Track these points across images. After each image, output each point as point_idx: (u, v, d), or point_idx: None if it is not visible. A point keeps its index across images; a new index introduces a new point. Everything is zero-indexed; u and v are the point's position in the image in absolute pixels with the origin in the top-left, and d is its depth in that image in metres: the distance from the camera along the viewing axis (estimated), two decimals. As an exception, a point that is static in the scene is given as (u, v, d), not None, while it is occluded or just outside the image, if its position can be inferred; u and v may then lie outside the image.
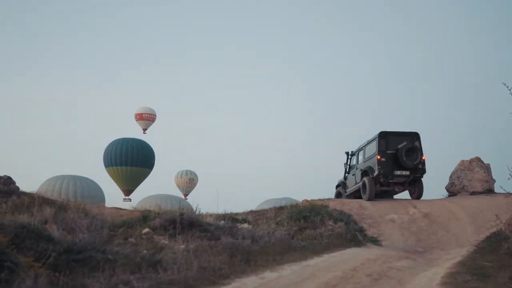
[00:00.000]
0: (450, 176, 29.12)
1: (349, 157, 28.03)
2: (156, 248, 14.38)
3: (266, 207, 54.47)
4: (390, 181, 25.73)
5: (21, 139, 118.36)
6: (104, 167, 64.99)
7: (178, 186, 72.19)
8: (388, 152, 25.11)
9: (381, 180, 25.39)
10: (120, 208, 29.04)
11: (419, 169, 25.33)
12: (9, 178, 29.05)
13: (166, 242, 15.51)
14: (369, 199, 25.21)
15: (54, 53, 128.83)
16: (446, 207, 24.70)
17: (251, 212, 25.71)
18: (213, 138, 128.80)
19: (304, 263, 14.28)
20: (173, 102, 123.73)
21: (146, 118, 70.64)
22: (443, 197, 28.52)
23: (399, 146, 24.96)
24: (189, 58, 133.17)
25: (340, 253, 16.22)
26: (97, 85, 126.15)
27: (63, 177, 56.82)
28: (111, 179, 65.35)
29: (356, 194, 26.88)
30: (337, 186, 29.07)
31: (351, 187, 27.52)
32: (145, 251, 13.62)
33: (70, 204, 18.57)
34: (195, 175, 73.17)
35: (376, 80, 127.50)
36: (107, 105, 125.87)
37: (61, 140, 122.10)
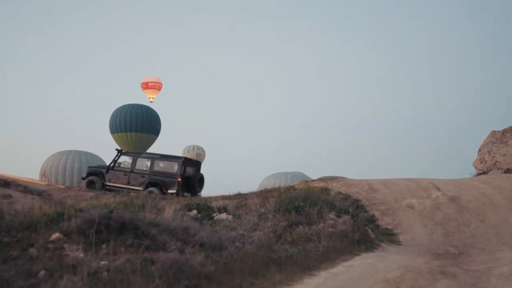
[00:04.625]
0: (479, 150, 22.57)
1: None
2: (61, 267, 8.82)
3: (271, 182, 50.43)
4: None
5: (26, 111, 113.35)
6: (110, 134, 60.48)
7: None
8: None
9: None
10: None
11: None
12: None
13: (81, 255, 9.61)
14: None
15: (58, 21, 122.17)
16: (477, 188, 18.64)
17: (238, 195, 19.66)
18: (222, 109, 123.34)
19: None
20: (180, 72, 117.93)
21: (152, 87, 65.81)
22: (471, 175, 22.05)
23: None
24: (196, 28, 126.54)
25: (345, 268, 10.37)
26: (102, 54, 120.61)
27: (69, 152, 53.07)
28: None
29: None
30: None
31: None
32: (42, 272, 8.53)
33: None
34: (202, 150, 69.32)
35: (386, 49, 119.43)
36: (113, 75, 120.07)
37: (67, 111, 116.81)
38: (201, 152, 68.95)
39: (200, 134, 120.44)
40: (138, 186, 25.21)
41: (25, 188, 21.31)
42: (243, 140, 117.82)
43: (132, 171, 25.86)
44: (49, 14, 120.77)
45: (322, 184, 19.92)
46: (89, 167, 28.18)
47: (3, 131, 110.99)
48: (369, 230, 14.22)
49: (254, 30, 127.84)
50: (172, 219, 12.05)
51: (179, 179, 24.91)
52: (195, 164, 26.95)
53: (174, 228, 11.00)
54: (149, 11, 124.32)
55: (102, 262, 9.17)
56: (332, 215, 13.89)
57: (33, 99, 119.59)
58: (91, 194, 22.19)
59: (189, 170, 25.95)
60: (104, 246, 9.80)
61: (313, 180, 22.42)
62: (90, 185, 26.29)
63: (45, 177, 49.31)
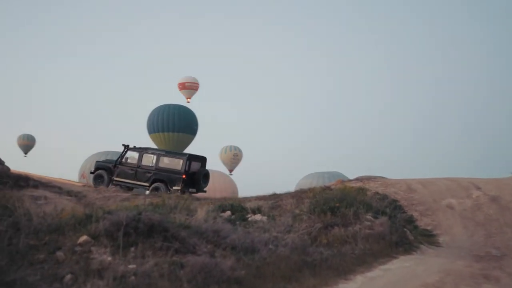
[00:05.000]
0: (521, 149, 21.65)
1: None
2: (87, 271, 8.51)
3: (308, 182, 49.92)
4: None
5: (68, 113, 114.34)
6: (148, 134, 59.81)
7: (223, 161, 67.46)
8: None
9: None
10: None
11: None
12: None
13: (109, 258, 9.20)
14: None
15: (95, 24, 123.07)
16: (520, 188, 17.70)
17: (273, 195, 19.21)
18: (259, 109, 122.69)
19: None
20: (217, 73, 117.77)
21: (189, 87, 65.21)
22: (511, 175, 21.30)
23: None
24: (232, 27, 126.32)
25: (382, 272, 9.88)
26: (140, 55, 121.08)
27: (107, 152, 52.07)
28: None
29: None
30: None
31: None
32: (68, 277, 8.23)
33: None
34: (239, 150, 68.43)
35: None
36: (151, 76, 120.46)
37: (106, 111, 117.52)
38: (238, 152, 68.43)
39: (237, 134, 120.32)
40: (144, 182, 25.42)
41: (60, 189, 21.12)
42: (281, 140, 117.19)
43: (138, 167, 25.83)
44: (90, 18, 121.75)
45: (359, 184, 19.42)
46: (97, 161, 27.93)
47: (43, 132, 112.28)
48: (407, 232, 13.69)
49: (289, 27, 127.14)
50: (204, 221, 11.68)
51: (184, 176, 24.78)
52: (201, 160, 26.53)
53: (205, 231, 10.61)
54: (185, 10, 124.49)
55: (130, 266, 8.89)
56: (369, 216, 13.40)
57: (73, 100, 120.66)
58: (125, 195, 21.95)
59: (195, 166, 25.71)
60: (132, 249, 9.49)
61: (350, 180, 21.91)
62: (98, 179, 26.33)
63: (84, 178, 49.39)
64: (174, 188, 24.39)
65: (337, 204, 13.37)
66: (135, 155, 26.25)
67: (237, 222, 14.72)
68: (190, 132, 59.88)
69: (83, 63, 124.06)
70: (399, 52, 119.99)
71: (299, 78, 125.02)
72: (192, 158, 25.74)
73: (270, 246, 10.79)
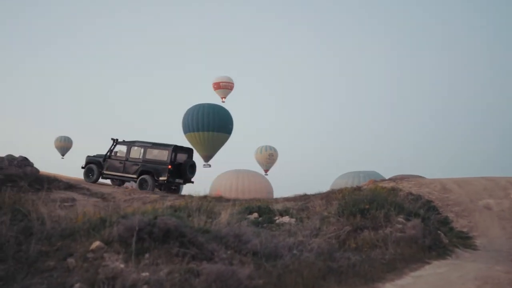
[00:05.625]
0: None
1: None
2: (97, 279, 7.87)
3: (343, 181, 49.02)
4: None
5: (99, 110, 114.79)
6: (183, 134, 59.58)
7: (258, 161, 66.88)
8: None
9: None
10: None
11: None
12: (25, 159, 23.47)
13: (121, 265, 8.59)
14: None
15: (131, 23, 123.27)
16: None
17: (303, 196, 18.49)
18: (294, 108, 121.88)
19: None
20: (252, 72, 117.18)
21: (224, 87, 64.87)
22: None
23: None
24: (269, 26, 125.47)
25: (413, 280, 9.16)
26: (174, 54, 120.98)
27: None
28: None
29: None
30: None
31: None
32: (77, 285, 7.65)
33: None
34: (275, 150, 67.56)
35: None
36: (185, 75, 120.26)
37: (140, 111, 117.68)
38: (273, 152, 67.69)
39: (272, 134, 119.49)
40: (132, 174, 25.93)
41: (88, 190, 20.72)
42: (317, 139, 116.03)
43: (127, 160, 26.27)
44: (126, 18, 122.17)
45: (391, 184, 18.61)
46: (88, 156, 27.91)
47: (80, 133, 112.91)
48: (442, 234, 12.84)
49: (326, 27, 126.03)
50: (227, 224, 11.00)
51: (169, 167, 25.22)
52: (187, 151, 27.09)
53: (225, 235, 9.92)
54: (218, 10, 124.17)
55: (143, 274, 8.29)
56: (400, 218, 12.57)
57: (109, 101, 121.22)
58: (154, 196, 21.42)
59: (181, 157, 26.13)
60: (147, 255, 8.86)
61: (383, 180, 21.12)
62: (88, 173, 26.63)
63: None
64: (161, 179, 25.21)
65: (367, 206, 12.60)
66: (124, 148, 26.81)
67: (264, 225, 14.08)
68: (226, 131, 59.35)
69: (118, 64, 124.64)
70: (434, 50, 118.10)
71: (335, 77, 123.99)
72: (178, 149, 26.25)
73: (295, 252, 10.11)
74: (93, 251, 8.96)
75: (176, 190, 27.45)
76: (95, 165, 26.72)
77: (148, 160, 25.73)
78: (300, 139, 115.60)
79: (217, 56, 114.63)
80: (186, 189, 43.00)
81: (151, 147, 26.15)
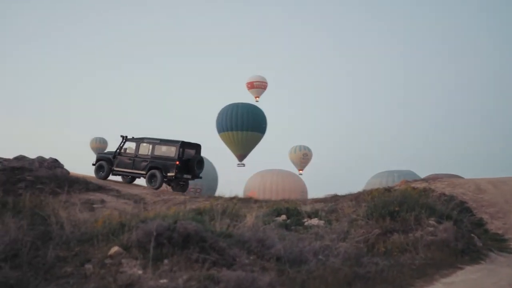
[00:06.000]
0: None
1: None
2: (114, 286, 7.63)
3: (378, 181, 48.31)
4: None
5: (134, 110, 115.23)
6: (217, 133, 60.00)
7: (292, 161, 66.47)
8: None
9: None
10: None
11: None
12: (55, 161, 23.35)
13: (139, 272, 8.29)
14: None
15: (166, 25, 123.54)
16: None
17: (334, 197, 18.03)
18: (328, 108, 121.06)
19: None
20: (285, 72, 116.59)
21: (258, 86, 65.02)
22: None
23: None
24: (301, 26, 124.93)
25: (444, 287, 8.55)
26: (207, 54, 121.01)
27: None
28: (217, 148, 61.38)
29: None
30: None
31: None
32: None
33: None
34: (309, 149, 67.04)
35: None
36: (218, 75, 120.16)
37: (175, 111, 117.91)
38: (307, 152, 67.24)
39: (307, 133, 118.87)
40: (141, 170, 26.04)
41: (118, 192, 20.51)
42: (351, 138, 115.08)
43: (136, 156, 26.39)
44: (162, 20, 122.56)
45: (424, 185, 18.03)
46: (98, 153, 28.99)
47: (109, 134, 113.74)
48: (475, 237, 12.27)
49: (358, 27, 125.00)
50: (253, 226, 10.59)
51: (177, 163, 25.36)
52: (195, 147, 27.04)
53: (248, 240, 9.52)
54: (251, 10, 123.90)
55: (161, 281, 7.99)
56: (431, 220, 12.01)
57: (141, 102, 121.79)
58: (183, 197, 21.13)
59: (189, 153, 26.33)
60: (166, 261, 8.50)
61: (416, 181, 20.51)
62: (99, 170, 26.82)
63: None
64: (169, 174, 25.30)
65: (397, 208, 12.08)
66: (133, 145, 26.87)
67: (292, 227, 13.67)
68: (259, 131, 59.42)
69: (152, 64, 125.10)
70: (470, 49, 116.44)
71: (368, 76, 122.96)
72: (186, 145, 26.26)
73: (320, 257, 9.67)
74: (111, 256, 8.66)
75: (185, 186, 27.61)
76: (106, 162, 26.94)
77: (156, 156, 25.95)
78: (335, 138, 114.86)
79: (251, 56, 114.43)
80: (219, 190, 42.93)
81: (159, 144, 26.42)
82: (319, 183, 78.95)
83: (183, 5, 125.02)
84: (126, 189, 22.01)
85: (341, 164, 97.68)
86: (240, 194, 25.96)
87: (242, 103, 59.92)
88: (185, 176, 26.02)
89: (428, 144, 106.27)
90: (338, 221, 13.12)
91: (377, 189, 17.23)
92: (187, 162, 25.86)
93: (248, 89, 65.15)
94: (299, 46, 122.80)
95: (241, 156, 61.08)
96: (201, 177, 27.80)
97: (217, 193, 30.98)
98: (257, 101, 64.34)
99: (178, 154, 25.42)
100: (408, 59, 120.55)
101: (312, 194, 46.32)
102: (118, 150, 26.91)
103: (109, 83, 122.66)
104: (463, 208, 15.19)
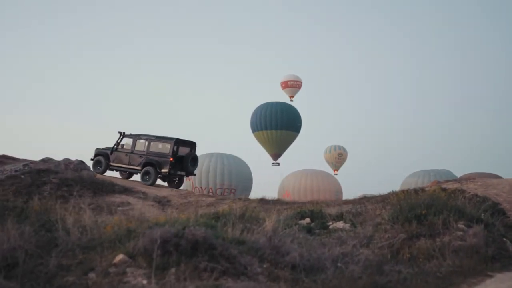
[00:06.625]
0: None
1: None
2: None
3: (413, 180, 47.28)
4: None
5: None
6: (251, 133, 60.35)
7: (327, 161, 66.12)
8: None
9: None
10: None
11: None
12: (82, 163, 23.07)
13: (144, 281, 7.78)
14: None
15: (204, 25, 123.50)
16: None
17: (363, 198, 17.31)
18: (363, 107, 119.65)
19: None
20: (320, 71, 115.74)
21: (292, 86, 65.10)
22: None
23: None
24: (339, 27, 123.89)
25: None
26: (242, 54, 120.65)
27: (211, 155, 51.66)
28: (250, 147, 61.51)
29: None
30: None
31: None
32: None
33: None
34: (344, 149, 66.54)
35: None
36: (253, 75, 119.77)
37: (208, 112, 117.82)
38: (343, 152, 66.73)
39: (342, 133, 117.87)
40: (137, 166, 26.49)
41: (144, 194, 20.07)
42: (387, 137, 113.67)
43: (132, 152, 27.00)
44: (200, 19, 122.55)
45: (456, 186, 17.13)
46: (97, 149, 28.66)
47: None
48: (508, 242, 11.38)
49: (393, 27, 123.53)
50: (269, 232, 9.90)
51: (171, 159, 25.83)
52: (190, 144, 27.48)
53: (262, 247, 8.86)
54: (286, 10, 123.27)
55: (167, 293, 7.37)
56: (461, 224, 11.19)
57: (174, 102, 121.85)
58: (210, 199, 20.61)
59: (183, 151, 26.72)
60: (173, 270, 7.90)
61: (447, 181, 19.56)
62: (97, 165, 27.30)
63: (189, 179, 48.65)
64: (163, 170, 25.82)
65: (423, 211, 11.29)
66: (130, 141, 27.58)
67: (316, 231, 13.05)
68: (294, 130, 59.18)
69: (187, 65, 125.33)
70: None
71: (404, 75, 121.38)
72: (180, 142, 26.77)
73: (339, 264, 8.97)
74: (115, 265, 8.11)
75: (179, 182, 27.90)
76: (103, 157, 27.48)
77: (151, 153, 26.45)
78: (370, 137, 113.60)
79: (286, 55, 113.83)
80: (254, 190, 42.44)
81: (154, 140, 26.95)
82: (355, 183, 78.14)
83: (219, 5, 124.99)
84: (153, 191, 21.58)
85: (377, 163, 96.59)
86: (275, 195, 25.56)
87: (276, 102, 59.57)
88: (179, 173, 26.52)
89: (467, 142, 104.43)
90: (362, 224, 12.41)
91: (404, 191, 16.40)
92: (181, 159, 26.36)
93: (283, 89, 64.92)
94: (334, 45, 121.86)
95: (276, 155, 61.02)
96: (195, 174, 28.86)
97: (251, 194, 31.21)
98: (291, 101, 64.01)
99: (173, 151, 25.90)
100: (446, 58, 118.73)
101: (347, 194, 45.60)
102: (115, 146, 27.51)
103: (146, 85, 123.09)
104: (496, 210, 14.28)
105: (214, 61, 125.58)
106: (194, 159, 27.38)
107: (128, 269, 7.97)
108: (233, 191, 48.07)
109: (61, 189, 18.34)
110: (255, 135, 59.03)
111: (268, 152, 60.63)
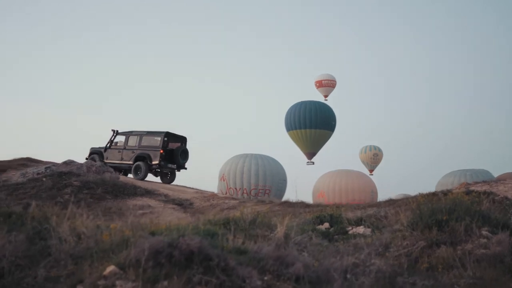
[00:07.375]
0: None
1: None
2: None
3: (449, 180, 46.00)
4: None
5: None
6: (285, 132, 59.81)
7: (363, 161, 65.57)
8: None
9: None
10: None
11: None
12: (104, 165, 22.75)
13: (134, 295, 7.22)
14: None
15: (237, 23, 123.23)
16: None
17: (388, 201, 16.51)
18: (398, 107, 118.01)
19: None
20: (355, 70, 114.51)
21: (326, 85, 64.54)
22: None
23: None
24: (375, 25, 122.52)
25: None
26: (276, 54, 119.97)
27: (245, 155, 50.37)
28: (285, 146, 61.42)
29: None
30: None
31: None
32: None
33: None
34: (379, 150, 65.49)
35: None
36: (286, 74, 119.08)
37: (243, 112, 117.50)
38: (378, 152, 65.83)
39: (377, 132, 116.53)
40: (129, 161, 27.53)
41: (166, 197, 19.54)
42: (423, 137, 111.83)
43: (125, 148, 28.18)
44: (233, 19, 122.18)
45: (485, 188, 16.13)
46: (92, 147, 29.51)
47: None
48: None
49: (429, 26, 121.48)
50: (284, 238, 9.20)
51: (161, 151, 26.88)
52: (180, 139, 28.74)
53: (264, 257, 8.11)
54: (321, 9, 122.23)
55: (157, 309, 6.75)
56: (485, 231, 10.27)
57: (211, 105, 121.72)
58: (233, 202, 19.95)
59: (173, 144, 28.00)
60: (165, 283, 7.22)
61: (476, 183, 18.54)
62: None
63: (223, 180, 48.27)
64: (153, 163, 26.77)
65: (445, 217, 10.40)
66: (123, 138, 28.61)
67: (335, 236, 12.28)
68: (328, 128, 58.62)
69: (218, 64, 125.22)
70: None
71: (440, 74, 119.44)
72: (171, 136, 28.06)
73: (349, 275, 8.19)
74: (105, 277, 7.46)
75: (171, 177, 28.60)
76: (97, 155, 28.22)
77: (143, 147, 27.58)
78: (406, 137, 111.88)
79: (320, 54, 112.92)
80: (288, 191, 41.89)
81: (146, 135, 28.04)
82: (390, 183, 76.93)
83: (254, 5, 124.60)
84: (175, 193, 21.01)
85: (413, 163, 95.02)
86: (310, 195, 24.98)
87: (310, 101, 58.90)
88: (169, 165, 27.58)
89: (507, 141, 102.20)
90: (381, 230, 11.60)
91: (425, 194, 15.43)
92: (172, 152, 27.53)
93: (317, 88, 64.46)
94: (369, 45, 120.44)
95: (310, 154, 60.52)
96: (186, 168, 29.06)
97: (286, 194, 31.32)
98: (326, 100, 63.35)
99: (163, 144, 27.07)
100: (480, 56, 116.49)
101: (383, 195, 44.65)
102: (108, 144, 28.67)
103: (171, 84, 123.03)
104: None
105: (248, 60, 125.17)
106: (185, 152, 28.27)
107: (117, 282, 7.32)
108: (267, 191, 47.47)
109: (82, 192, 17.99)
110: (289, 134, 58.44)
111: (303, 151, 60.09)
